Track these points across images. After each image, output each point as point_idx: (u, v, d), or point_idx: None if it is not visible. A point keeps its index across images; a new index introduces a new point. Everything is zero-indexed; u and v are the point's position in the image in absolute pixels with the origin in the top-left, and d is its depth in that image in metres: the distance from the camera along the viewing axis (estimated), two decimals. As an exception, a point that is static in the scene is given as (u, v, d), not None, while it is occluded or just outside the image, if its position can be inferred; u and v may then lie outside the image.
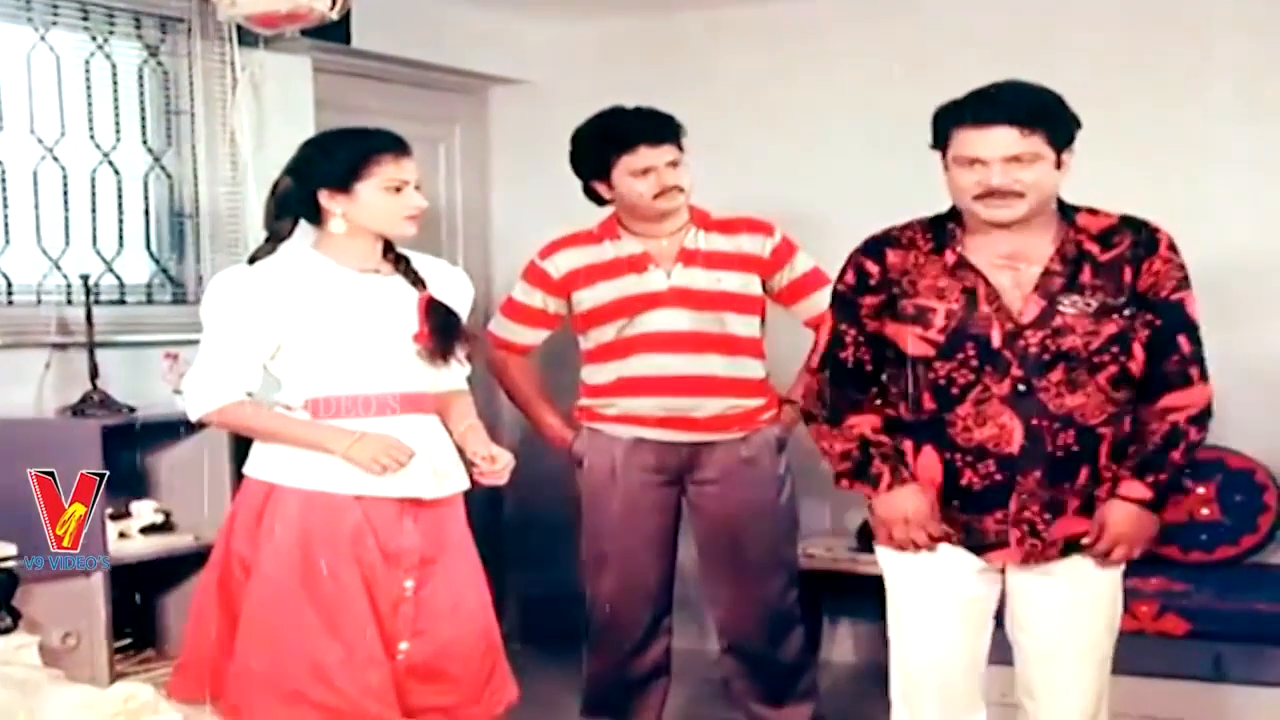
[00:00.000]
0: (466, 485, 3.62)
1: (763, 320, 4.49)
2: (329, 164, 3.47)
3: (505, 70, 5.99)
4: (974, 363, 3.32)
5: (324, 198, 3.45)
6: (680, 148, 4.35)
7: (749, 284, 4.40)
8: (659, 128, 4.33)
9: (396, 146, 3.49)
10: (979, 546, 3.37)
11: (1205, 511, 5.00)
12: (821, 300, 4.11)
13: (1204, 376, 3.36)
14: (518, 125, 6.07)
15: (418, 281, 3.54)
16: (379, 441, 3.39)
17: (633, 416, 4.38)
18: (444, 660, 3.51)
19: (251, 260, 3.50)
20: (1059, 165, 3.30)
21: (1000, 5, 5.36)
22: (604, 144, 4.34)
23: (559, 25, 5.90)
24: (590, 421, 4.47)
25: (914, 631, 3.47)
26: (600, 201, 4.44)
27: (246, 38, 4.77)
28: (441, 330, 3.52)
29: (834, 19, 5.58)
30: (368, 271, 3.50)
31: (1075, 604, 3.39)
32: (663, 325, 4.33)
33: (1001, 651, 3.51)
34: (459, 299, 3.64)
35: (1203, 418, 3.36)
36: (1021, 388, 3.29)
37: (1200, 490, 4.98)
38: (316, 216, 3.50)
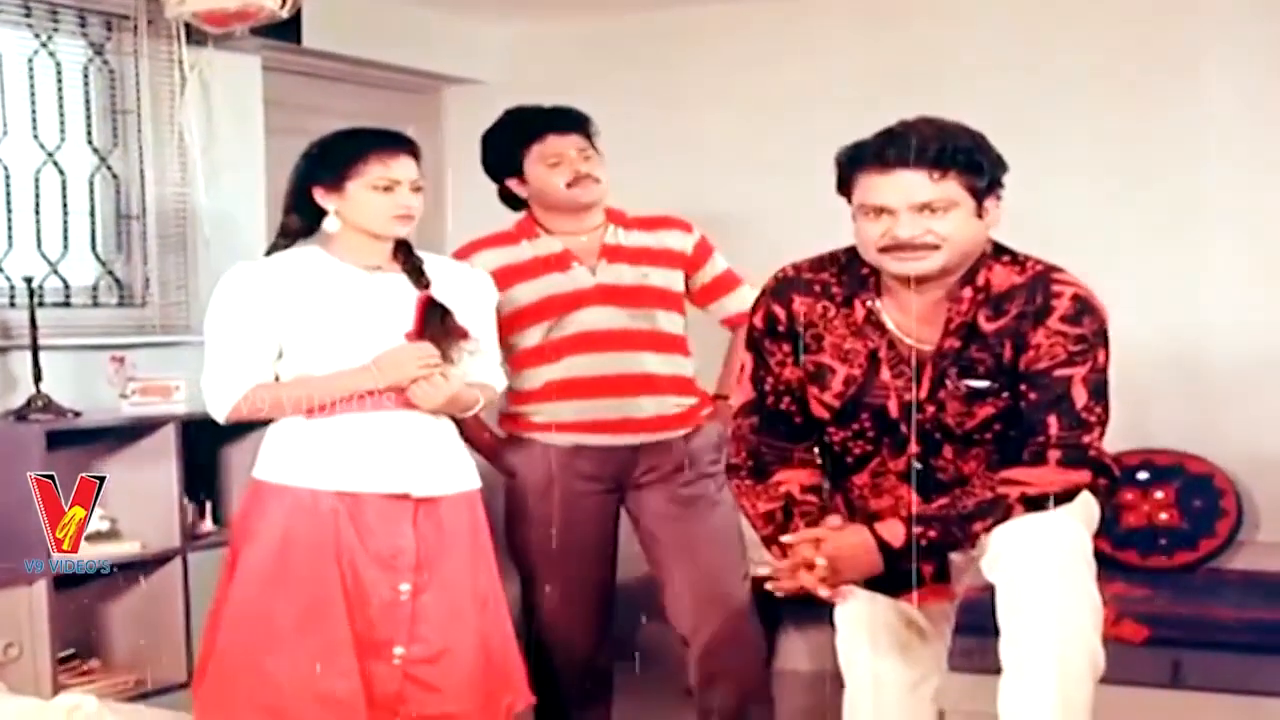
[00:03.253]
0: (473, 485, 3.60)
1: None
2: (323, 161, 3.52)
3: (459, 70, 5.94)
4: (870, 434, 3.10)
5: (318, 195, 3.49)
6: (592, 144, 4.23)
7: (673, 280, 4.26)
8: (566, 118, 4.22)
9: (388, 145, 3.51)
10: (892, 591, 3.16)
11: (1164, 516, 5.02)
12: (736, 301, 4.23)
13: (1070, 463, 2.96)
14: (472, 126, 5.74)
15: (420, 280, 3.55)
16: (401, 355, 3.43)
17: (569, 423, 4.19)
18: (441, 669, 3.45)
19: (267, 255, 3.56)
20: (980, 214, 2.98)
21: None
22: (511, 137, 4.24)
23: (514, 24, 5.85)
24: (520, 430, 4.24)
25: (849, 629, 3.31)
26: (517, 205, 4.30)
27: (194, 36, 4.71)
28: (433, 328, 3.51)
29: (795, 17, 5.55)
30: (371, 269, 3.51)
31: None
32: (592, 324, 4.15)
33: (962, 658, 3.46)
34: (477, 301, 3.65)
35: (1040, 503, 2.96)
36: (918, 465, 3.07)
37: (1159, 495, 5.00)
38: (315, 213, 3.52)
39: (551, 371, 4.16)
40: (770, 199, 5.33)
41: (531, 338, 4.16)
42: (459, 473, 3.57)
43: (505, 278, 4.11)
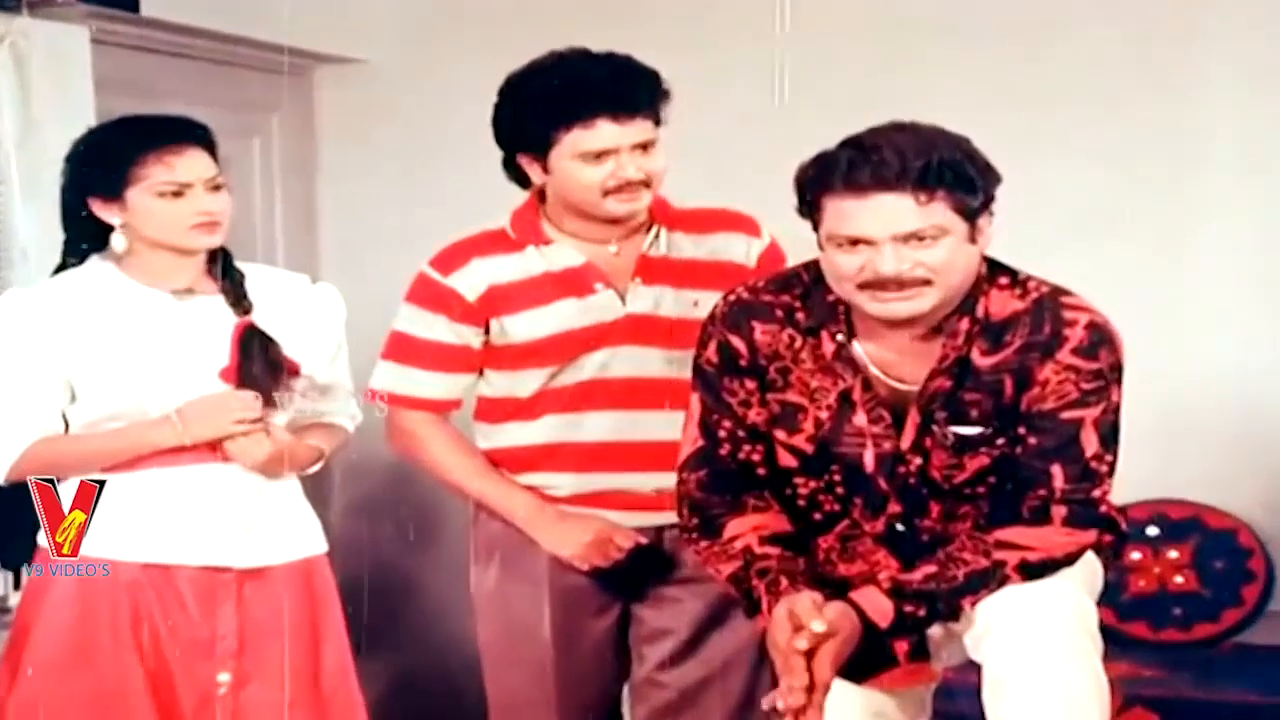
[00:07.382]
0: (315, 550, 3.33)
1: None
2: (95, 167, 3.21)
3: (333, 47, 5.58)
4: (840, 490, 2.87)
5: (96, 208, 3.18)
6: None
7: None
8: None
9: (169, 140, 3.17)
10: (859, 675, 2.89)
11: (1179, 580, 4.73)
12: None
13: (1078, 522, 2.76)
14: (349, 113, 5.70)
15: (241, 303, 3.25)
16: (213, 404, 3.16)
17: (568, 496, 3.37)
18: None
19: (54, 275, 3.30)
20: (973, 239, 2.73)
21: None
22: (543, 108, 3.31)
23: (397, -6, 5.69)
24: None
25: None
26: (525, 184, 3.41)
27: (6, 1, 4.27)
28: (254, 365, 3.23)
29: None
30: (180, 293, 3.22)
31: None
32: (615, 370, 3.35)
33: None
34: (322, 323, 3.35)
35: (1041, 570, 2.75)
36: (900, 527, 2.86)
37: (1173, 554, 4.75)
38: (101, 227, 3.20)
39: (552, 428, 3.36)
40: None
41: (528, 384, 3.35)
42: (296, 537, 3.31)
43: (504, 300, 3.33)
